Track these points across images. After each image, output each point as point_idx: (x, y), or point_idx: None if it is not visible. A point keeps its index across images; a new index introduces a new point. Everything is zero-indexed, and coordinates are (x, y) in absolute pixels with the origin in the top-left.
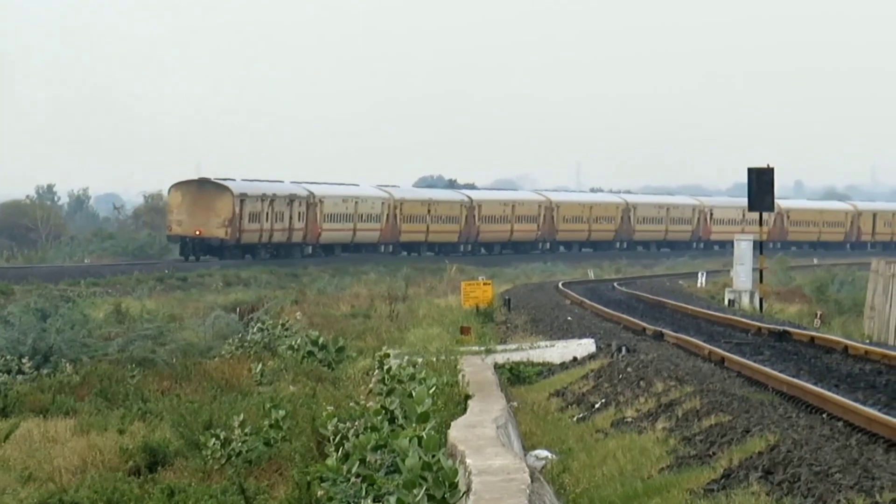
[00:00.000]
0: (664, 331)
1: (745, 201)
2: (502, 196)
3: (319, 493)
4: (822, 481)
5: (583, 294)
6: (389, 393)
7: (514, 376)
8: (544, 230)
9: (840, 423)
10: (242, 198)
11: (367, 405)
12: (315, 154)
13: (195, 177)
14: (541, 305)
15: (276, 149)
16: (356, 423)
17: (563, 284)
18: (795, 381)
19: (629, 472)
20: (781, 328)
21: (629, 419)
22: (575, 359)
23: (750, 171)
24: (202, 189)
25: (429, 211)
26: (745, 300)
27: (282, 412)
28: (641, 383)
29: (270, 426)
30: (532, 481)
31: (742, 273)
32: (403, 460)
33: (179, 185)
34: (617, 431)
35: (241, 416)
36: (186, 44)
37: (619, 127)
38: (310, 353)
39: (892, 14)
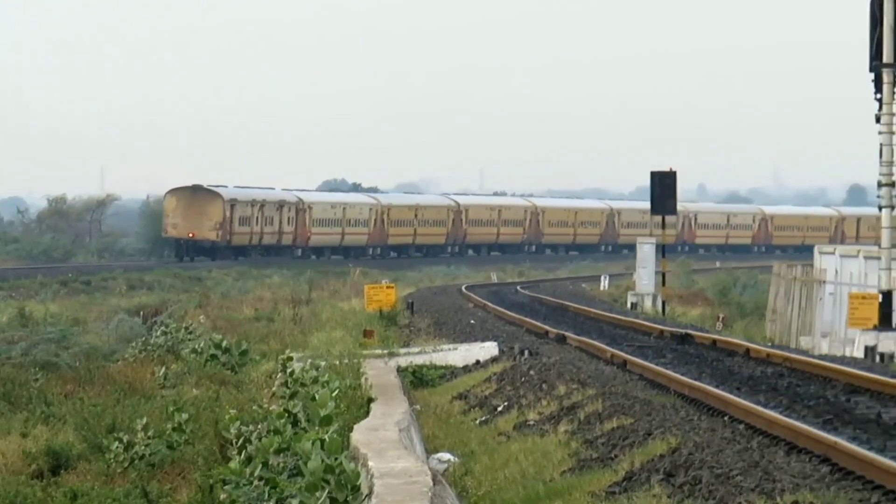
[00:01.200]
0: (567, 334)
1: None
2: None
3: (222, 496)
4: (723, 483)
5: (486, 297)
6: (292, 396)
7: (417, 379)
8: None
9: (742, 426)
10: (233, 203)
11: (270, 408)
12: (213, 156)
13: (189, 183)
14: (444, 309)
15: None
16: (259, 427)
17: (466, 288)
18: (697, 383)
19: (531, 474)
20: (684, 331)
21: (531, 422)
22: (478, 362)
23: (653, 174)
24: (196, 195)
25: (416, 215)
26: (648, 303)
27: (185, 415)
28: (544, 386)
29: (174, 429)
30: (434, 484)
31: (645, 276)
32: (306, 463)
33: (175, 191)
34: (519, 434)
35: (145, 420)
36: (69, 45)
37: (523, 130)
38: (213, 356)
39: (790, 16)
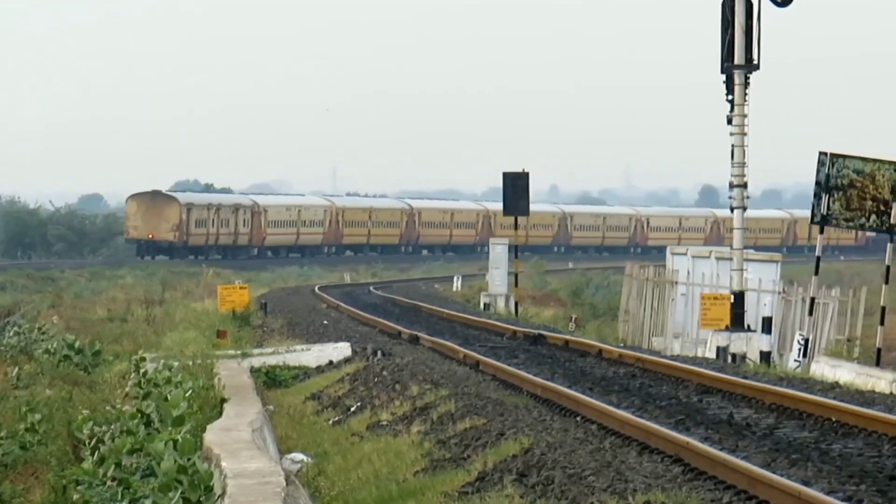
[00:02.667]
0: (420, 334)
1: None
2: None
3: (75, 496)
4: (575, 483)
5: (339, 298)
6: (145, 397)
7: (270, 380)
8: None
9: (594, 426)
10: (189, 206)
11: (124, 409)
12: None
13: (148, 189)
14: (297, 309)
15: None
16: (112, 427)
17: (319, 288)
18: (550, 384)
19: (384, 475)
20: (536, 332)
21: (384, 422)
22: (331, 362)
23: (505, 175)
24: (154, 199)
25: (370, 217)
26: (501, 304)
27: (38, 416)
28: (397, 387)
29: (26, 430)
30: (287, 484)
31: (497, 277)
32: (159, 464)
33: (135, 196)
34: (372, 434)
35: None
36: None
37: (375, 129)
38: (66, 357)
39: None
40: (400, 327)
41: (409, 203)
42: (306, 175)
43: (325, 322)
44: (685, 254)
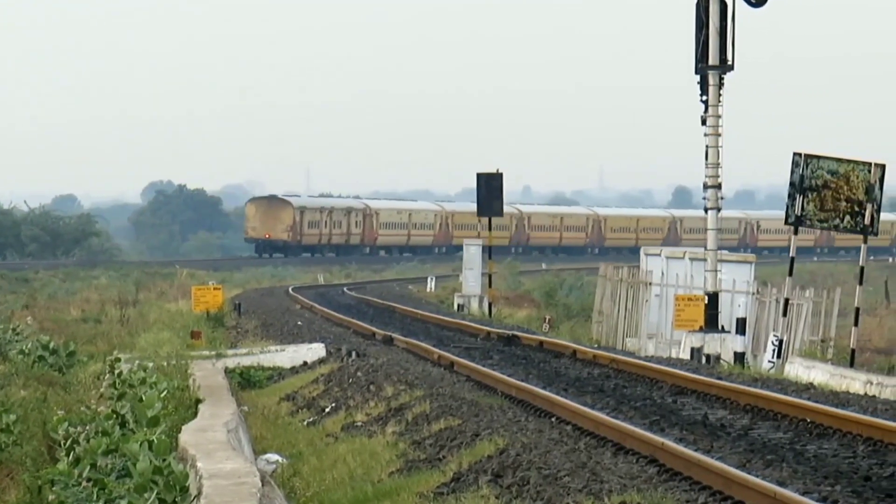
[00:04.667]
0: (394, 335)
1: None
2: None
3: (51, 497)
4: (550, 484)
5: (313, 299)
6: (120, 397)
7: (244, 381)
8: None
9: (569, 427)
10: (302, 210)
11: (98, 409)
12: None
13: (266, 194)
14: (271, 310)
15: None
16: (87, 428)
17: (293, 289)
18: (524, 385)
19: (359, 475)
20: (511, 333)
21: (359, 423)
22: (305, 363)
23: (479, 176)
24: (271, 203)
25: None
26: (475, 305)
27: (12, 416)
28: (371, 387)
29: (1, 430)
30: (263, 485)
31: (471, 278)
32: (134, 464)
33: (254, 200)
34: (347, 435)
35: None
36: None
37: (350, 130)
38: (41, 357)
39: (613, 33)
40: (374, 328)
41: (518, 208)
42: (279, 176)
43: (300, 323)
44: (659, 255)
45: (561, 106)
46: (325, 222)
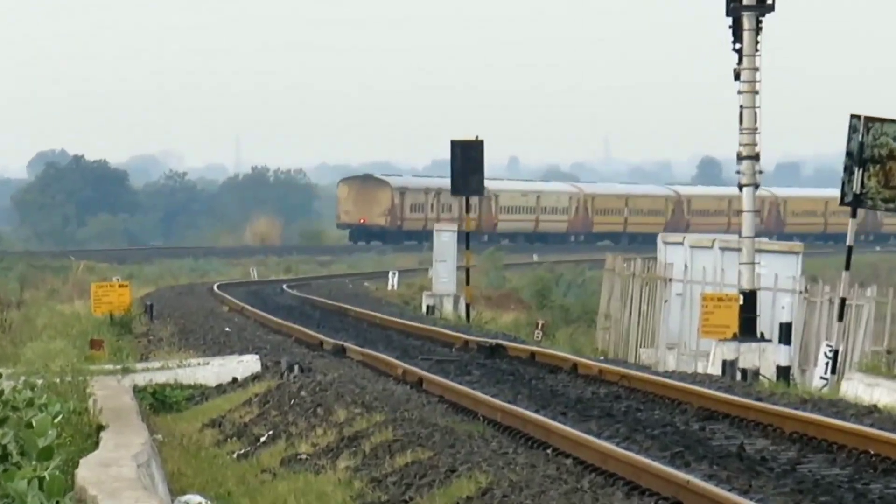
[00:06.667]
0: (347, 345)
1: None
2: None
3: None
4: None
5: (244, 299)
6: (2, 423)
7: (158, 402)
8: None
9: (569, 461)
10: (402, 191)
11: None
12: None
13: (360, 173)
14: (191, 313)
15: None
16: None
17: (219, 287)
18: (512, 407)
19: None
20: (494, 341)
21: (304, 456)
22: (235, 380)
23: (454, 144)
24: (366, 183)
25: (626, 204)
26: (448, 306)
27: None
28: (319, 411)
29: None
30: None
31: (444, 273)
32: None
33: (347, 181)
34: (288, 471)
35: None
36: None
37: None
38: None
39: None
40: (321, 336)
41: (675, 189)
42: (201, 147)
43: (227, 329)
44: (681, 243)
45: (555, 61)
46: (432, 205)
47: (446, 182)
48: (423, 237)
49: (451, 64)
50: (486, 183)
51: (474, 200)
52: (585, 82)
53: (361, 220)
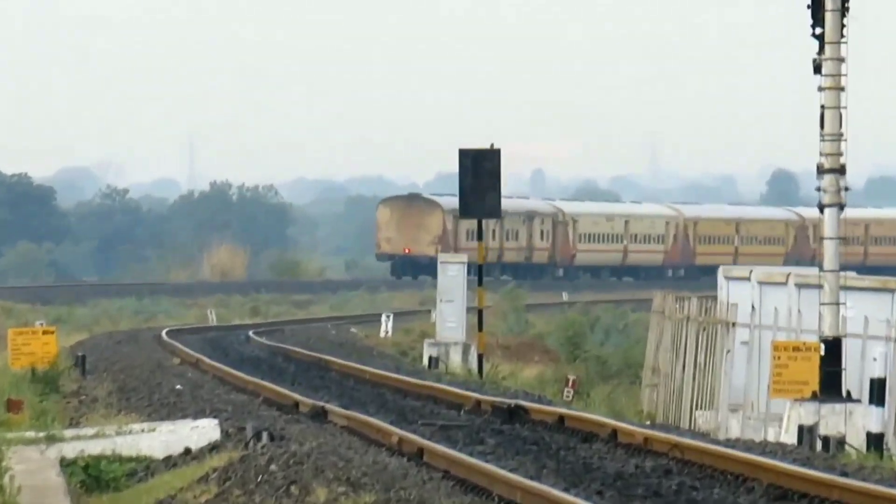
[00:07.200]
0: (328, 406)
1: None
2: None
3: None
4: None
5: (200, 348)
6: None
7: (91, 479)
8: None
9: None
10: (457, 213)
11: None
12: None
13: (404, 192)
14: (134, 366)
15: None
16: None
17: (169, 333)
18: (536, 485)
19: None
20: (513, 402)
21: None
22: (188, 450)
23: (463, 154)
24: (412, 205)
25: (737, 230)
26: (456, 358)
27: None
28: (293, 489)
29: None
30: None
31: (450, 315)
32: None
33: (388, 202)
34: None
35: None
36: None
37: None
38: None
39: None
40: (297, 395)
41: (798, 212)
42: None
43: (179, 387)
44: (748, 278)
45: (590, 56)
46: (493, 231)
47: (511, 203)
48: (484, 270)
49: (460, 60)
50: (561, 205)
51: (541, 225)
52: (629, 78)
53: (406, 250)
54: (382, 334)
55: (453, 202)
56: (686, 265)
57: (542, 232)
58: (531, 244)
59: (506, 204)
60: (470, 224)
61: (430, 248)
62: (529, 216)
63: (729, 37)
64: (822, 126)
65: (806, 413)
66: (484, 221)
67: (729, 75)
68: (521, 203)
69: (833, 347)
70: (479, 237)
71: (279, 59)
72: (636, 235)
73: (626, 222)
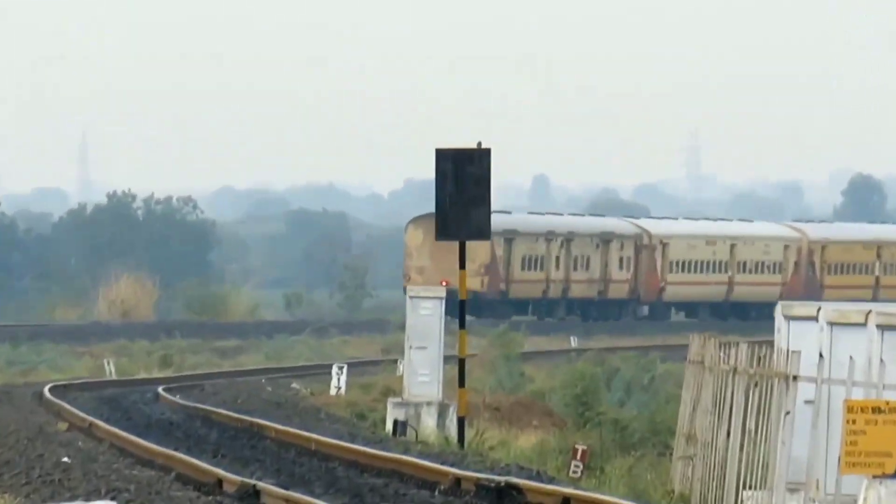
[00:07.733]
0: (261, 485)
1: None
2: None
3: None
4: None
5: (94, 410)
6: None
7: None
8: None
9: None
10: (510, 237)
11: None
12: None
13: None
14: (8, 433)
15: None
16: None
17: (53, 390)
18: None
19: None
20: (503, 479)
21: None
22: None
23: (441, 155)
24: None
25: (878, 255)
26: (430, 422)
27: None
28: None
29: None
30: None
31: (423, 366)
32: None
33: (420, 221)
34: None
35: None
36: None
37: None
38: None
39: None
40: (220, 471)
41: (639, 225)
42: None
43: (66, 459)
44: (815, 318)
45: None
46: (556, 258)
47: (580, 222)
48: (545, 308)
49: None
50: (646, 224)
51: (619, 250)
52: (666, 68)
53: (444, 283)
54: (333, 391)
55: (506, 220)
56: (811, 299)
57: (620, 259)
58: (607, 274)
59: (574, 223)
60: (529, 249)
61: (475, 280)
62: (605, 239)
63: (783, 15)
64: None
65: (888, 494)
66: (545, 247)
67: (792, 61)
68: (594, 222)
69: None
70: (461, 265)
71: (197, 41)
72: (745, 263)
73: (733, 246)
